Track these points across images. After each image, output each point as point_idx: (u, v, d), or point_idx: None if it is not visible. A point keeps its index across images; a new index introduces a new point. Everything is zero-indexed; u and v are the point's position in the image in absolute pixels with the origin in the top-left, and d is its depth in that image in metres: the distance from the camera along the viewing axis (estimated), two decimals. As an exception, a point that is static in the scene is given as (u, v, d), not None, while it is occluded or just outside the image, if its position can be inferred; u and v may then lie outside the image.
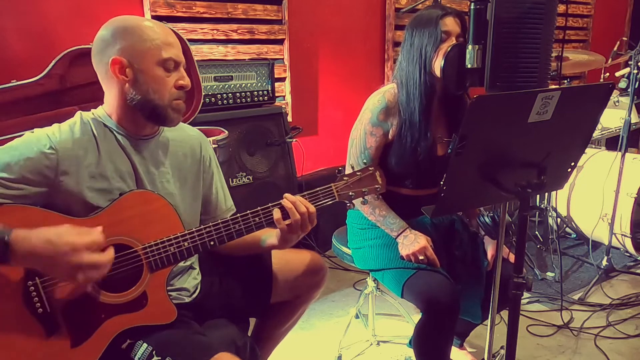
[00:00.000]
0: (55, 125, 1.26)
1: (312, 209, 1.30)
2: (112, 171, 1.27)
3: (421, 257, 1.65)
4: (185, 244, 1.25)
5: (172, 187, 1.37)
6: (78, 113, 1.29)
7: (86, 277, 1.09)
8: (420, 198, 1.78)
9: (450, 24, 1.63)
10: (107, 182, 1.25)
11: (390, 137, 1.74)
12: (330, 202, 1.35)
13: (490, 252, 1.73)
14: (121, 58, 1.22)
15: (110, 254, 1.13)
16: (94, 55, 1.27)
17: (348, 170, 1.78)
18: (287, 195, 1.30)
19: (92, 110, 1.31)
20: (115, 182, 1.26)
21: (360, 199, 1.39)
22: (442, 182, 1.24)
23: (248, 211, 1.30)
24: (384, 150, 1.76)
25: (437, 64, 1.64)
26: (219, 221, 1.28)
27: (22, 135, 1.23)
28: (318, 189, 1.35)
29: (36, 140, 1.20)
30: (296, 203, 1.28)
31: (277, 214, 1.28)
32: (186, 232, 1.26)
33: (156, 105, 1.26)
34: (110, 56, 1.22)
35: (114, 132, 1.29)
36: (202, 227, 1.27)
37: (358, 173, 1.38)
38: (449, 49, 1.56)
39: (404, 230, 1.72)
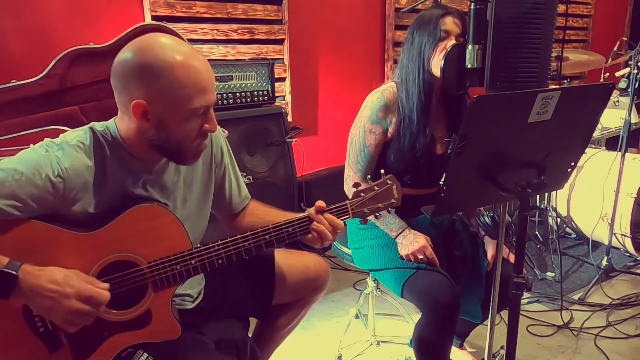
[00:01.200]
0: (64, 142, 1.16)
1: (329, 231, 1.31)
2: (121, 194, 1.22)
3: (420, 257, 1.65)
4: (192, 262, 1.22)
5: (182, 199, 1.33)
6: (88, 128, 1.20)
7: (77, 324, 1.10)
8: (420, 198, 1.78)
9: (450, 23, 1.64)
10: (117, 204, 1.20)
11: (389, 135, 1.74)
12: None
13: (490, 252, 1.73)
14: (145, 103, 1.11)
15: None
16: (114, 75, 1.14)
17: (347, 171, 1.80)
18: (310, 212, 1.31)
19: (106, 124, 1.22)
20: (124, 204, 1.21)
21: (374, 214, 1.37)
22: (442, 182, 1.24)
23: (259, 229, 1.27)
24: (383, 147, 1.76)
25: (435, 62, 1.64)
26: (228, 238, 1.25)
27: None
28: (333, 206, 1.33)
29: (44, 164, 1.11)
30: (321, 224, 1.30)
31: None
32: (194, 249, 1.23)
33: (175, 152, 1.20)
34: (133, 97, 1.11)
35: (126, 155, 1.21)
36: (210, 244, 1.23)
37: (376, 188, 1.35)
38: (448, 48, 1.57)
39: (403, 230, 1.72)
